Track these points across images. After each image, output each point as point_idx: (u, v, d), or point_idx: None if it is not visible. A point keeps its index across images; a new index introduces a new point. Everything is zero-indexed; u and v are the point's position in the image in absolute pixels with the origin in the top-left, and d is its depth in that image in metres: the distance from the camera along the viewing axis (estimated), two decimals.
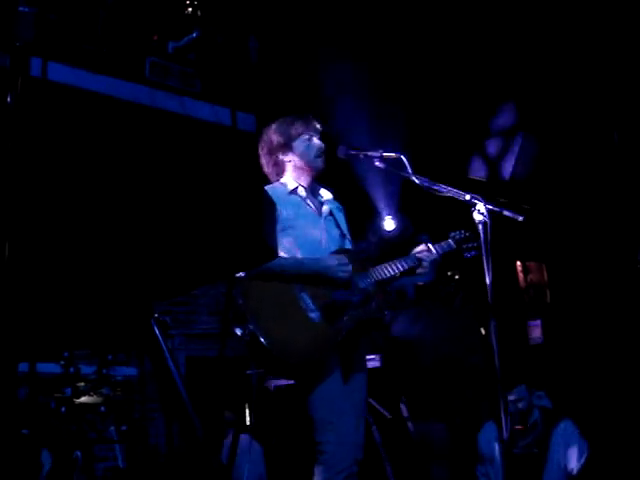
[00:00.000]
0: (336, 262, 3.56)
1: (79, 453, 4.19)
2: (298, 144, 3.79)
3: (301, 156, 3.79)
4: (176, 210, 2.11)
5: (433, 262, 3.84)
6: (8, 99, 1.92)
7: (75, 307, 2.56)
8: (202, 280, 2.75)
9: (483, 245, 3.46)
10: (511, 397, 5.18)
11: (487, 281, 3.40)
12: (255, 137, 2.38)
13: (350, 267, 3.59)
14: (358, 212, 4.03)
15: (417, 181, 3.65)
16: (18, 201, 1.85)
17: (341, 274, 3.55)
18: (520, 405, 5.22)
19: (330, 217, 3.84)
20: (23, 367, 3.43)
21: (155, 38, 2.21)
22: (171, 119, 2.13)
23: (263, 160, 3.84)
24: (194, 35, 2.29)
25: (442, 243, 3.91)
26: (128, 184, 2.04)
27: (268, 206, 3.50)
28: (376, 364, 5.12)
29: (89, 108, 2.08)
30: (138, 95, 2.13)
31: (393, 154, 3.71)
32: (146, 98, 2.14)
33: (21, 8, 2.02)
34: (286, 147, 3.79)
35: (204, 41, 2.29)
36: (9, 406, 2.86)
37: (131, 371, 4.58)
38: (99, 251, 2.10)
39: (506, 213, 3.57)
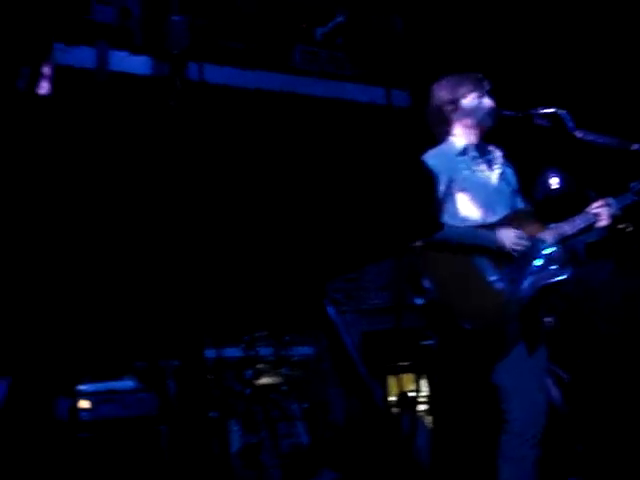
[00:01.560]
0: (512, 236, 3.50)
1: (265, 432, 4.35)
2: (467, 102, 3.73)
3: (470, 115, 3.72)
4: (342, 192, 2.15)
5: (613, 217, 3.69)
6: (171, 103, 2.01)
7: (253, 293, 2.67)
8: (372, 256, 2.79)
9: None
10: None
11: None
12: (410, 112, 2.37)
13: (526, 241, 3.52)
14: (522, 170, 3.94)
15: (580, 135, 3.52)
16: (188, 197, 1.94)
17: (516, 249, 3.49)
18: None
19: (501, 175, 3.78)
20: (210, 353, 3.61)
21: (304, 26, 2.24)
22: (326, 105, 2.16)
23: (431, 118, 3.81)
24: (340, 19, 2.30)
25: (622, 196, 3.73)
26: (293, 172, 2.09)
27: (429, 177, 3.50)
28: (552, 325, 5.00)
29: (246, 104, 2.14)
30: (291, 85, 2.17)
31: (552, 110, 3.61)
32: (299, 87, 2.17)
33: (174, 17, 2.09)
34: (455, 105, 3.74)
35: (350, 23, 2.30)
36: (199, 391, 3.02)
37: (308, 350, 4.69)
38: (276, 238, 2.17)
39: None
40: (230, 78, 2.12)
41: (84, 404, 3.72)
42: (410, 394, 4.87)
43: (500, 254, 3.50)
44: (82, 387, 3.78)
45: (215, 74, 2.11)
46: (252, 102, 2.13)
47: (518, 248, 3.49)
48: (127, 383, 3.87)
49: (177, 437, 3.73)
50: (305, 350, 4.69)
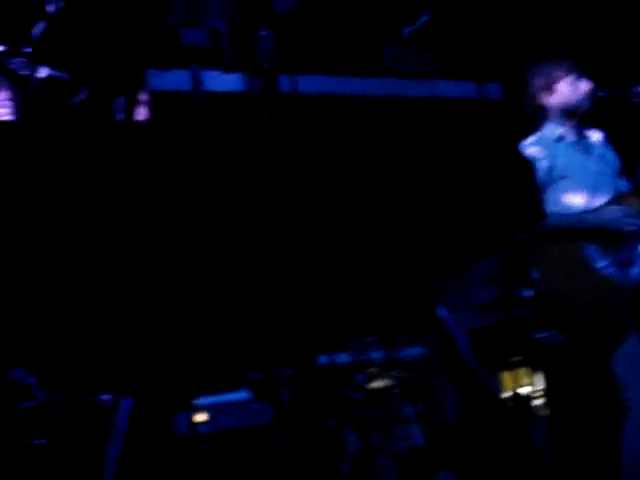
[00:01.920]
0: (621, 214, 3.45)
1: (379, 436, 4.35)
2: (562, 87, 3.70)
3: (566, 99, 3.70)
4: (444, 190, 2.14)
5: None
6: (265, 115, 2.04)
7: (363, 297, 2.69)
8: (479, 252, 2.77)
9: None
10: None
11: None
12: (504, 104, 2.34)
13: (637, 218, 3.45)
14: (624, 151, 3.85)
15: None
16: (294, 207, 1.96)
17: (628, 227, 3.43)
18: None
19: (602, 158, 3.73)
20: (322, 360, 3.66)
21: (391, 29, 2.25)
22: (421, 104, 2.16)
23: (526, 106, 3.79)
24: (425, 17, 2.30)
25: None
26: (393, 176, 2.10)
27: (529, 166, 3.47)
28: None
29: (340, 110, 2.16)
30: (384, 88, 2.18)
31: None
32: (392, 89, 2.18)
33: (261, 33, 2.13)
34: (550, 90, 3.72)
35: (437, 21, 2.30)
36: (313, 398, 3.05)
37: (419, 351, 4.66)
38: (383, 243, 2.19)
39: None
40: (323, 86, 2.14)
41: (201, 417, 3.80)
42: (525, 389, 4.79)
43: (608, 238, 3.43)
44: (198, 401, 3.86)
45: (307, 84, 2.13)
46: (346, 108, 2.14)
47: (629, 227, 3.42)
48: (242, 394, 3.94)
49: (293, 446, 3.78)
50: (416, 351, 4.66)
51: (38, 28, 2.68)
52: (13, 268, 3.35)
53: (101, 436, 3.49)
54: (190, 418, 3.79)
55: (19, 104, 3.35)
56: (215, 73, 2.25)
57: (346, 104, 2.03)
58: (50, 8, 2.91)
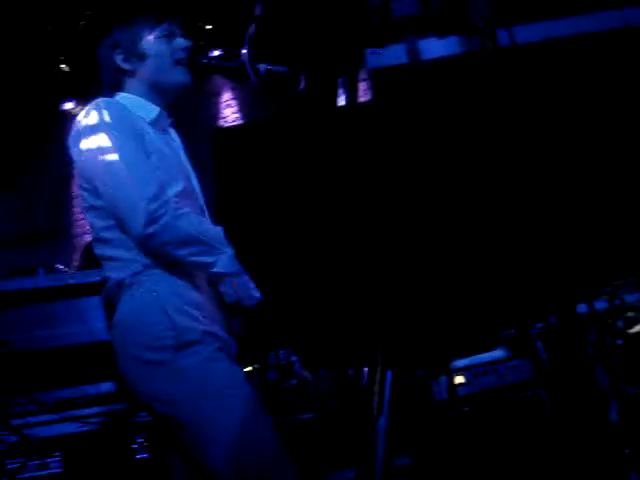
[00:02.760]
0: None
1: None
2: None
3: None
4: None
5: None
6: (492, 66, 2.00)
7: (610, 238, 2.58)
8: None
9: None
10: None
11: None
12: None
13: None
14: None
15: None
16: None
17: None
18: None
19: None
20: (582, 308, 3.57)
21: None
22: None
23: None
24: None
25: None
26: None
27: None
28: None
29: (566, 53, 2.09)
30: (609, 21, 2.08)
31: None
32: (619, 21, 2.08)
33: None
34: None
35: None
36: (574, 350, 2.98)
37: None
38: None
39: None
40: (543, 32, 2.08)
41: (459, 380, 3.84)
42: None
43: None
44: (455, 364, 3.91)
45: (526, 33, 2.08)
46: (573, 50, 2.07)
47: None
48: (498, 353, 3.94)
49: (558, 399, 3.72)
50: None
51: (250, 29, 2.81)
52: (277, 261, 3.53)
53: (365, 408, 3.62)
54: (449, 382, 3.83)
55: (243, 102, 3.52)
56: (430, 40, 2.25)
57: (570, 46, 1.96)
58: (258, 10, 3.04)
